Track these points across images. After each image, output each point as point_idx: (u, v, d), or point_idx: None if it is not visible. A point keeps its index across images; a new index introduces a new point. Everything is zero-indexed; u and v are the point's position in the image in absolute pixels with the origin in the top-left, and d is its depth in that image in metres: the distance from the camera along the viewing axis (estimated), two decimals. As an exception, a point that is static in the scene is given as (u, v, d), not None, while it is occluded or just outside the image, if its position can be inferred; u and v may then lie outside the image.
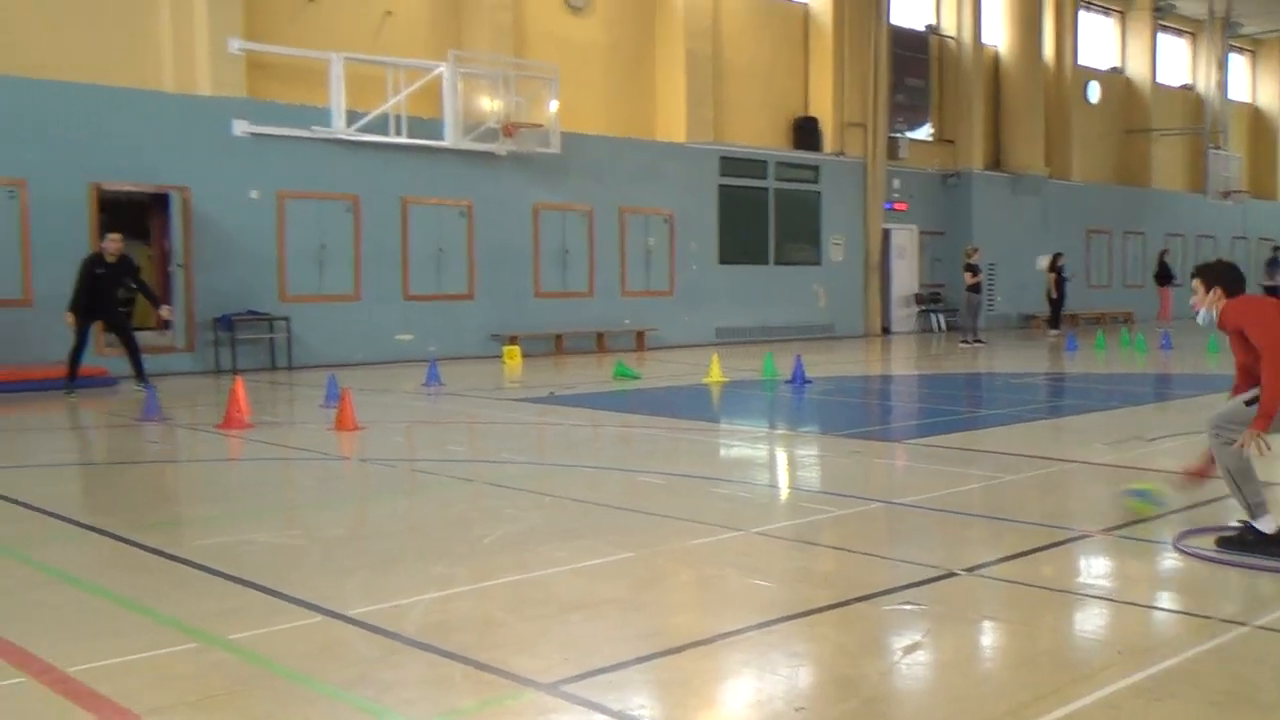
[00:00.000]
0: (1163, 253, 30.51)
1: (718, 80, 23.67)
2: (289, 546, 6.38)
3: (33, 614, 5.01)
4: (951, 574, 5.58)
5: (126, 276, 14.15)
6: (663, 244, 22.62)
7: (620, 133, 22.26)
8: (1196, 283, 6.30)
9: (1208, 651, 4.48)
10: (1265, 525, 5.83)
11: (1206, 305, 6.23)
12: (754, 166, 24.22)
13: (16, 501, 7.56)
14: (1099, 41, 34.32)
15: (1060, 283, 25.39)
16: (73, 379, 13.80)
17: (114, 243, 13.92)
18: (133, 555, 6.15)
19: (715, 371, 15.45)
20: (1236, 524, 6.06)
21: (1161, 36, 35.61)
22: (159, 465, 9.65)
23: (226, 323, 16.93)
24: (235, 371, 16.20)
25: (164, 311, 14.56)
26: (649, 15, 22.96)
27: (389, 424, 11.63)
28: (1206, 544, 6.00)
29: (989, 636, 4.80)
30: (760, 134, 24.86)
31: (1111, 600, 5.30)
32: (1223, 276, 6.23)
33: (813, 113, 25.79)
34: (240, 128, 17.13)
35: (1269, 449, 5.76)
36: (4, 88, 15.23)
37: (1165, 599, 5.41)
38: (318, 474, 9.12)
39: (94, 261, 13.83)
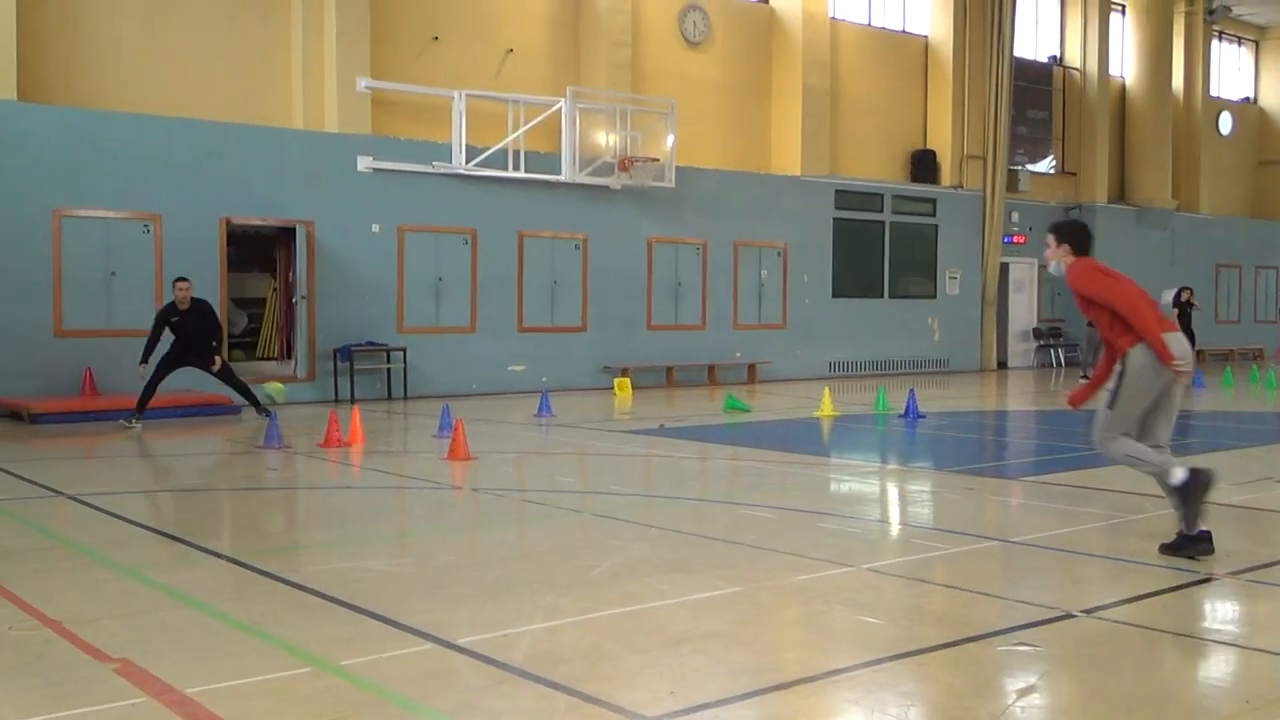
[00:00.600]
0: None
1: (834, 113, 23.59)
2: (401, 574, 6.47)
3: (155, 636, 5.16)
4: (1069, 615, 5.43)
5: (204, 320, 13.89)
6: (776, 277, 22.54)
7: (735, 166, 22.30)
8: (1050, 238, 7.25)
9: (1342, 704, 4.29)
10: (1176, 477, 6.61)
11: (1056, 259, 7.21)
12: (870, 199, 24.04)
13: (144, 526, 7.81)
14: (1232, 72, 33.40)
15: (1187, 318, 24.62)
16: (140, 410, 13.63)
17: (182, 290, 13.72)
18: (251, 580, 6.31)
19: (827, 405, 15.32)
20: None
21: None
22: (278, 491, 9.89)
23: (346, 353, 17.32)
24: (353, 401, 16.56)
25: (215, 362, 13.96)
26: (766, 49, 23.02)
27: (501, 454, 11.76)
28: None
29: (1108, 681, 4.64)
30: (877, 167, 24.68)
31: (1238, 646, 5.10)
32: (1073, 235, 7.18)
33: (931, 145, 25.53)
34: (364, 163, 17.58)
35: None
36: (143, 126, 15.88)
37: (1296, 647, 5.19)
38: (430, 503, 9.26)
39: (168, 311, 13.85)
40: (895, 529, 8.17)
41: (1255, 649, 5.07)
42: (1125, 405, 6.78)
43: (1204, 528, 6.54)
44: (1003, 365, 26.69)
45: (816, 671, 4.63)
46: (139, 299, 15.79)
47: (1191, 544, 6.53)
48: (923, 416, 14.65)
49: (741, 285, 22.01)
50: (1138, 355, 6.70)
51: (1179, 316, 24.35)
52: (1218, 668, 4.85)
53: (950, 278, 25.48)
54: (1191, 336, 24.57)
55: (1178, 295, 24.76)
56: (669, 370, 20.78)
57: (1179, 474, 6.57)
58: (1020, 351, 27.34)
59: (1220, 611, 5.80)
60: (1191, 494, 6.51)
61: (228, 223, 16.58)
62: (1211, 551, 6.46)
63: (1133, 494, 9.01)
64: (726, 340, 21.75)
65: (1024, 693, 4.41)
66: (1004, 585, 6.21)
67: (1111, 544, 7.34)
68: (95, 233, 15.52)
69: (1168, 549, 6.62)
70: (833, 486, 10.15)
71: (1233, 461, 11.19)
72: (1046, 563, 6.74)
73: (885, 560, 6.77)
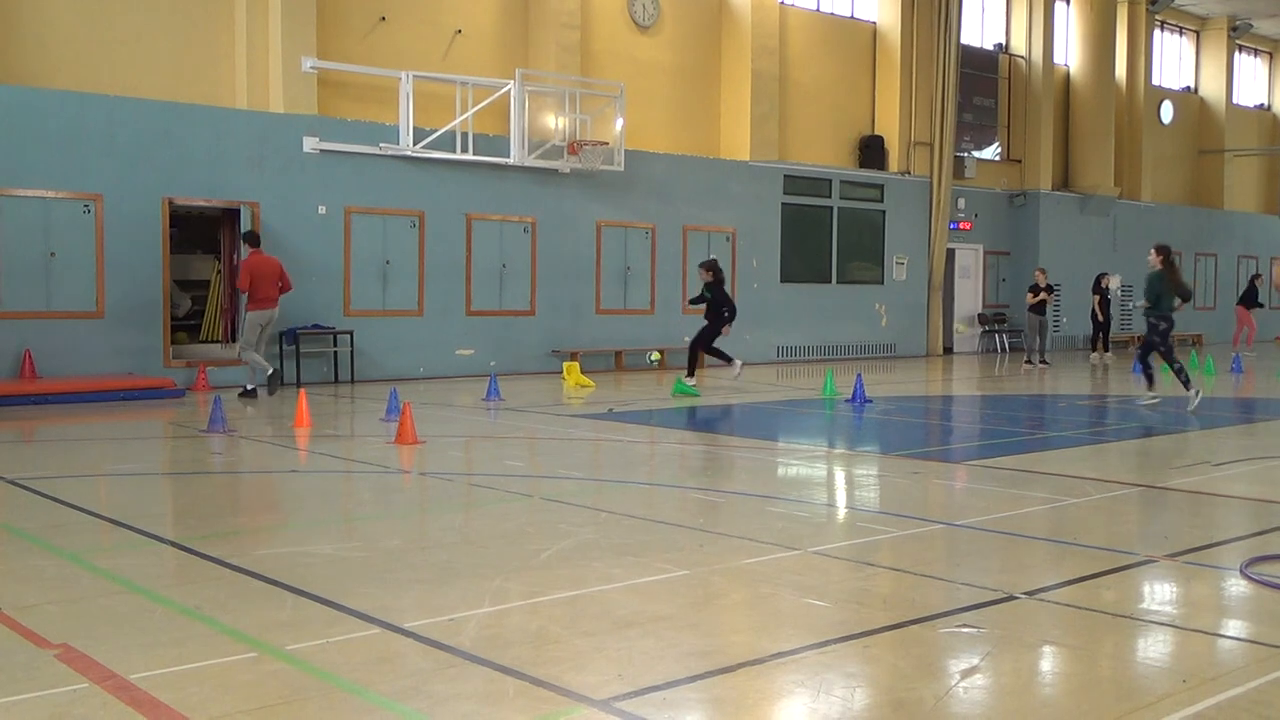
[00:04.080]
0: (1254, 277, 29.57)
1: (783, 99, 23.65)
2: (347, 558, 6.43)
3: (98, 622, 5.10)
4: (1011, 597, 5.51)
5: None
6: (725, 262, 22.54)
7: (684, 151, 22.31)
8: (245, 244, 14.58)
9: (1275, 682, 4.38)
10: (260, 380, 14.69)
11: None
12: (818, 185, 24.14)
13: (85, 510, 7.71)
14: (1173, 61, 33.88)
15: (1104, 304, 24.72)
16: None
17: None
18: (196, 565, 6.24)
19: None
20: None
21: (1238, 57, 35.08)
22: (222, 476, 9.79)
23: (292, 336, 17.15)
24: (299, 384, 16.42)
25: None
26: (715, 34, 23.02)
27: (449, 438, 11.71)
28: (1275, 571, 5.87)
29: (1049, 662, 4.72)
30: (825, 153, 24.79)
31: (1176, 627, 5.20)
32: (249, 239, 14.60)
33: (879, 131, 25.68)
34: (310, 144, 17.39)
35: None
36: (83, 105, 15.60)
37: (1232, 627, 5.29)
38: (378, 487, 9.21)
39: None
40: (842, 513, 8.23)
41: (1192, 629, 5.17)
42: (248, 332, 14.58)
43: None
44: (948, 350, 26.95)
45: (763, 654, 4.67)
46: (79, 280, 15.55)
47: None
48: (869, 401, 14.76)
49: (691, 270, 22.01)
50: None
51: (1101, 304, 24.47)
52: (1156, 648, 4.94)
53: (897, 263, 25.67)
54: (1108, 320, 24.77)
55: (1097, 281, 24.88)
56: (618, 354, 20.78)
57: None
58: (965, 337, 27.61)
59: (1158, 593, 5.90)
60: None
61: (170, 203, 16.35)
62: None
63: (1074, 478, 9.15)
64: (675, 325, 21.77)
65: (967, 674, 4.47)
66: (948, 568, 6.28)
67: (1054, 527, 7.45)
68: (34, 212, 15.25)
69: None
70: (780, 470, 10.21)
71: (1171, 446, 11.39)
72: (990, 545, 6.83)
73: (832, 543, 6.83)
